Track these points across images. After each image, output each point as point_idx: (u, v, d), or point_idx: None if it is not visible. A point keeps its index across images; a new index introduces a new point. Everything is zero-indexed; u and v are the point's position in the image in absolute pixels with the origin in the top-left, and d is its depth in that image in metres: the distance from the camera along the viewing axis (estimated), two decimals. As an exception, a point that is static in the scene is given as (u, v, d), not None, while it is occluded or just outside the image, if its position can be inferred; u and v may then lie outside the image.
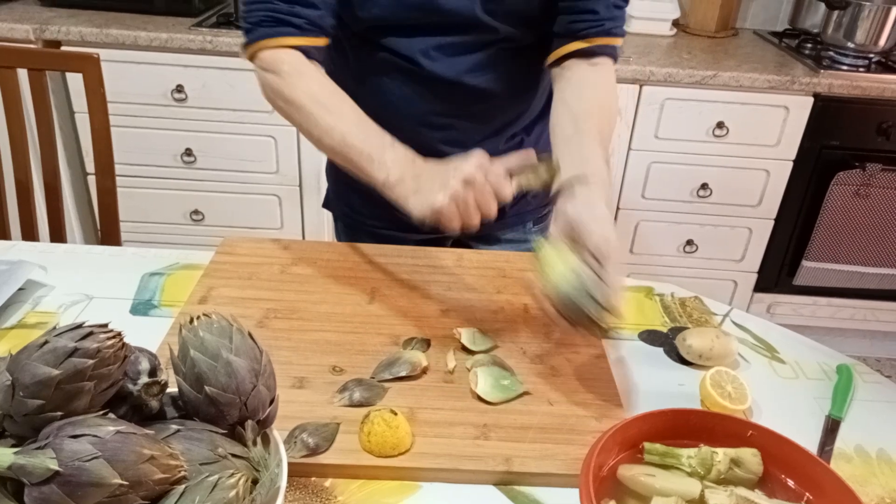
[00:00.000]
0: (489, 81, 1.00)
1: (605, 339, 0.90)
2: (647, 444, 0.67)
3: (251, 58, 0.92)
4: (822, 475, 0.64)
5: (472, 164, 0.77)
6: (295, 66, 0.88)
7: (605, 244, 0.73)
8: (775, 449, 0.67)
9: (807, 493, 0.65)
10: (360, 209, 1.18)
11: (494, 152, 1.09)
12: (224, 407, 0.55)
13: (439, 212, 0.77)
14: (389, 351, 0.84)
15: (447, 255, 1.05)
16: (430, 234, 1.07)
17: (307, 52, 0.90)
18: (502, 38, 0.97)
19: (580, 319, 0.73)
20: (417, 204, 0.79)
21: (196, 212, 2.13)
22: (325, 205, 1.27)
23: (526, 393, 0.79)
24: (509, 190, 0.78)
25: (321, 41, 0.91)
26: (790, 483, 0.66)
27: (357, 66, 1.02)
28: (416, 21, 0.94)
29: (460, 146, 1.05)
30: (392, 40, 0.96)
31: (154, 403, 0.56)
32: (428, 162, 0.82)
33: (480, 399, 0.77)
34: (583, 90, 0.93)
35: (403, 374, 0.80)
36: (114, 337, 0.52)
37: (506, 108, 1.06)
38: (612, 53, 0.97)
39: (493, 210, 0.77)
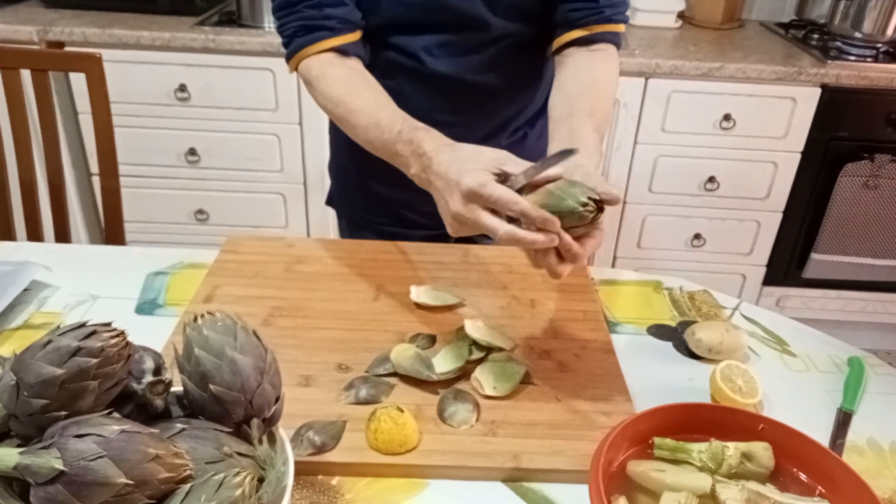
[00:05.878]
0: (491, 79, 1.00)
1: (612, 338, 0.89)
2: (657, 440, 0.67)
3: (295, 69, 0.93)
4: (835, 469, 0.63)
5: (470, 180, 0.69)
6: (320, 71, 0.90)
7: (589, 170, 0.71)
8: (787, 443, 0.66)
9: (819, 487, 0.64)
10: (364, 206, 1.18)
11: (497, 147, 1.09)
12: (229, 405, 0.55)
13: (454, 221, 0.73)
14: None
15: (453, 251, 1.05)
16: (433, 230, 1.06)
17: (343, 50, 0.91)
18: (504, 33, 0.97)
19: (565, 210, 0.67)
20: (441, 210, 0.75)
21: (200, 211, 2.13)
22: (329, 202, 1.27)
23: (532, 383, 0.78)
24: (515, 202, 0.68)
25: (355, 36, 0.92)
26: (802, 477, 0.65)
27: None
28: (421, 20, 0.95)
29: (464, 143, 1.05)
30: (396, 38, 0.97)
31: (159, 402, 0.56)
32: (438, 155, 0.76)
33: (491, 398, 0.77)
34: (578, 72, 0.93)
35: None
36: (117, 336, 0.51)
37: (508, 104, 1.06)
38: (613, 40, 0.97)
39: (494, 225, 0.69)
